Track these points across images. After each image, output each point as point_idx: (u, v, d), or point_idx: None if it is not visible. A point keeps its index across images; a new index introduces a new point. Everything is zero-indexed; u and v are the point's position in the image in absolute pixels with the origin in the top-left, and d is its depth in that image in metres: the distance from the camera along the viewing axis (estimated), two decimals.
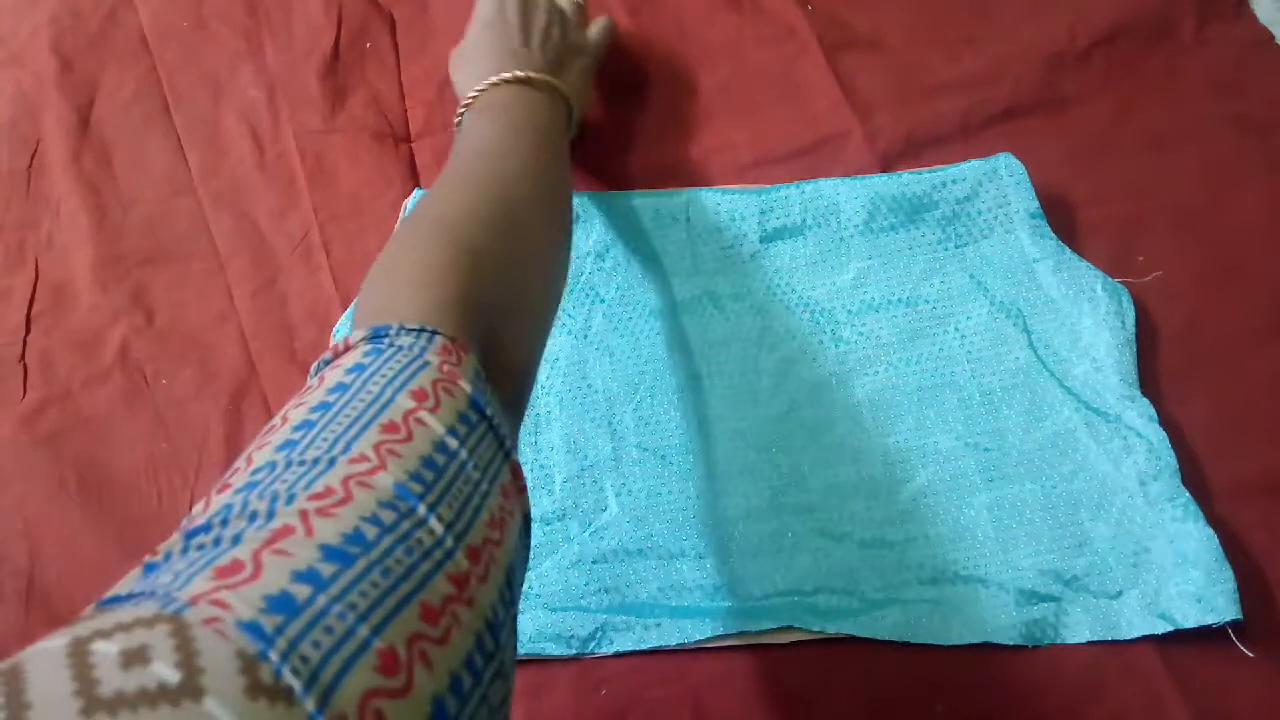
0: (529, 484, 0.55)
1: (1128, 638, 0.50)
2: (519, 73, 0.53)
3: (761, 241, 0.61)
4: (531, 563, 0.53)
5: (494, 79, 0.53)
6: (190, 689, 0.20)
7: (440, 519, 0.28)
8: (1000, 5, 0.71)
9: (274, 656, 0.22)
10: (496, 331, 0.39)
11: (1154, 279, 0.60)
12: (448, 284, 0.37)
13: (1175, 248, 0.62)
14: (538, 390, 0.57)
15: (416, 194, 0.62)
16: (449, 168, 0.48)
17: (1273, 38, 0.69)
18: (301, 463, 0.28)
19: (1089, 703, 0.50)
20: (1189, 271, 0.61)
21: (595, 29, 0.65)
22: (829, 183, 0.62)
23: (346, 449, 0.28)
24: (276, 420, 0.31)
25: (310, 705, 0.22)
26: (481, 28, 0.58)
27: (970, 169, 0.61)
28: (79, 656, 0.21)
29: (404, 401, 0.30)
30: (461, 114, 0.54)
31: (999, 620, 0.51)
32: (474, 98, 0.53)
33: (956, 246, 0.61)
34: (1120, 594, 0.51)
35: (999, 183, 0.61)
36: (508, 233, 0.43)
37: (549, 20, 0.59)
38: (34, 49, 0.71)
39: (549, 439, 0.56)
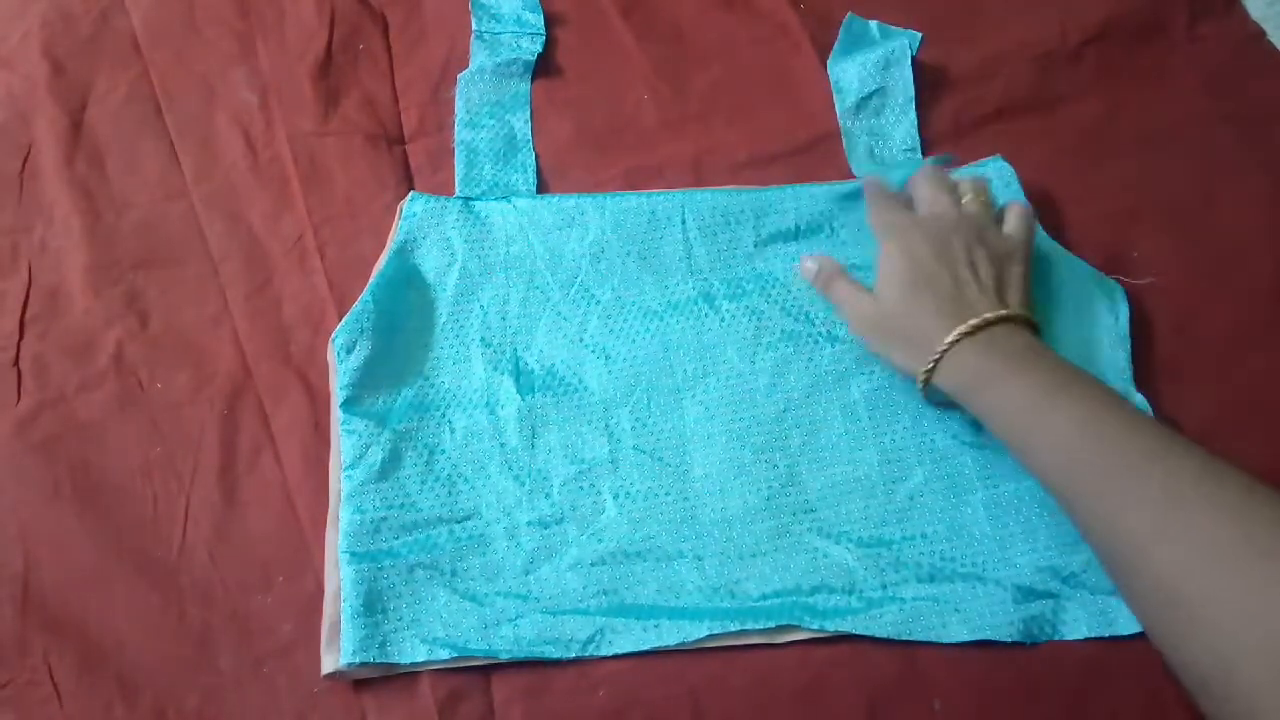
0: (527, 488, 0.55)
1: (1126, 634, 0.50)
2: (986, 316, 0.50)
3: (756, 245, 0.61)
4: (529, 566, 0.53)
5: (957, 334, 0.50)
6: None
7: None
8: (991, 4, 0.71)
9: None
10: None
11: (1148, 279, 0.60)
12: None
13: (1168, 245, 0.62)
14: (534, 394, 0.57)
15: (412, 196, 0.62)
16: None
17: (1265, 34, 0.69)
18: None
19: (1087, 699, 0.50)
20: (1183, 268, 0.61)
21: (1013, 221, 0.57)
22: (824, 186, 0.62)
23: None
24: None
25: None
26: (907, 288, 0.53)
27: (960, 175, 0.61)
28: None
29: None
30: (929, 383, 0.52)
31: (997, 617, 0.51)
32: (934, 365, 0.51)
33: None
34: (1118, 590, 0.51)
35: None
36: None
37: (969, 242, 0.54)
38: (25, 53, 0.70)
39: (545, 442, 0.56)
